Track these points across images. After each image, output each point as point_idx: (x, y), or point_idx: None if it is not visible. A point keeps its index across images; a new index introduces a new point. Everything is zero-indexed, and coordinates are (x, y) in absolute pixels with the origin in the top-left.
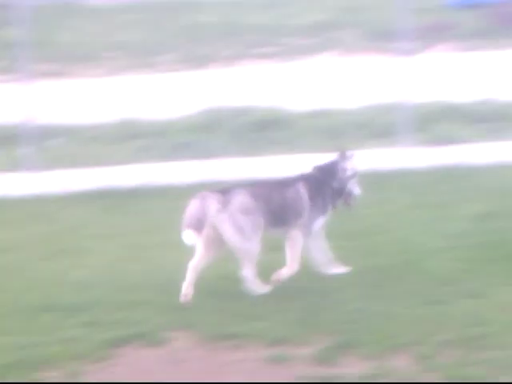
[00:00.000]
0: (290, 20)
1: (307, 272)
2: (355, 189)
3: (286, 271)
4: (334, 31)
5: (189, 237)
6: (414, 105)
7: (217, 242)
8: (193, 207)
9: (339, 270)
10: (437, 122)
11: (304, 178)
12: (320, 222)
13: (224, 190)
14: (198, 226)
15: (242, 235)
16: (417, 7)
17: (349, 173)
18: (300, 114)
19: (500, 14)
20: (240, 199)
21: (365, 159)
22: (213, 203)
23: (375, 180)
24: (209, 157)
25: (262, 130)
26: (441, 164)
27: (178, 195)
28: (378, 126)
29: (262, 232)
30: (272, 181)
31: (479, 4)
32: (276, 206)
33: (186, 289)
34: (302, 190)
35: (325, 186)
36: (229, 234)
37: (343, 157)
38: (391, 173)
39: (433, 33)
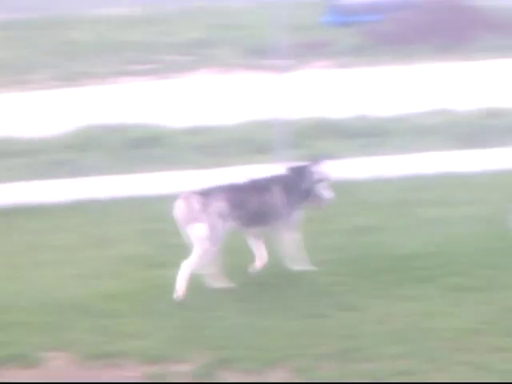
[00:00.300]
0: (166, 37)
1: (187, 289)
2: (325, 192)
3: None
4: (211, 48)
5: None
6: (291, 121)
7: None
8: (180, 209)
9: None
10: (314, 137)
11: (279, 180)
12: (299, 215)
13: (203, 192)
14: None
15: (211, 235)
16: (293, 25)
17: (316, 176)
18: (178, 131)
19: (374, 31)
20: (217, 203)
21: (243, 175)
22: (195, 203)
23: None
24: (85, 175)
25: (140, 147)
26: None
27: (53, 214)
28: (256, 142)
29: (225, 236)
30: (249, 184)
31: (353, 22)
32: (252, 208)
33: (181, 287)
34: (277, 192)
35: (295, 185)
36: (200, 230)
37: (313, 162)
38: None
39: (309, 50)
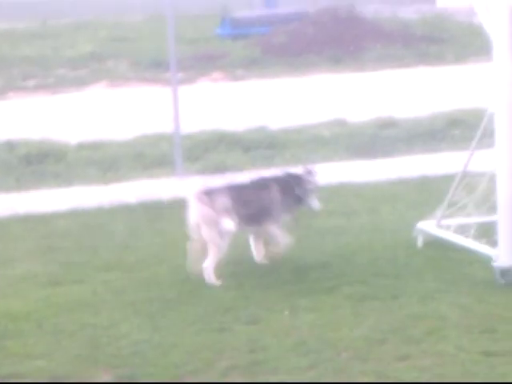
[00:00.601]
0: (59, 52)
1: (89, 307)
2: (314, 202)
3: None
4: (105, 62)
5: (230, 225)
6: (188, 134)
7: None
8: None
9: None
10: (210, 150)
11: (277, 181)
12: (287, 216)
13: (207, 191)
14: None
15: (219, 231)
16: (187, 37)
17: (311, 186)
18: (74, 146)
19: (267, 43)
20: (221, 200)
21: (140, 190)
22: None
23: (152, 211)
24: None
25: (32, 163)
26: None
27: None
28: (154, 156)
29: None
30: (249, 184)
31: (248, 34)
32: (252, 207)
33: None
34: (275, 192)
35: (291, 189)
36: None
37: (308, 172)
38: (168, 203)
39: (204, 62)
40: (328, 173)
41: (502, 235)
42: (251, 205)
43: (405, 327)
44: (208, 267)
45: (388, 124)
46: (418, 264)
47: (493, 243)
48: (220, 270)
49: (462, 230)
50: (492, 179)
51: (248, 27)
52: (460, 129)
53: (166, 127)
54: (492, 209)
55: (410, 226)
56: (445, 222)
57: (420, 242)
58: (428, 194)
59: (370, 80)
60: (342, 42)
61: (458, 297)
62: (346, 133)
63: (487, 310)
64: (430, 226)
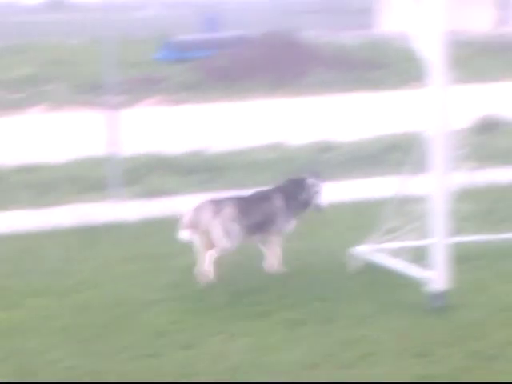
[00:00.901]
0: None
1: (20, 333)
2: (321, 201)
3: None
4: (43, 85)
5: (184, 235)
6: (125, 158)
7: (208, 242)
8: (188, 214)
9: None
10: (149, 174)
11: (280, 191)
12: (292, 225)
13: (216, 201)
14: (193, 227)
15: (228, 237)
16: (129, 60)
17: (316, 189)
18: (8, 169)
19: (208, 67)
20: (229, 210)
21: (76, 214)
22: (207, 212)
23: (87, 235)
24: None
25: None
26: (153, 216)
27: None
28: (89, 179)
29: (241, 238)
30: (254, 196)
31: (188, 58)
32: (257, 217)
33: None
34: (278, 202)
35: (294, 196)
36: (218, 235)
37: (312, 175)
38: (104, 227)
39: (143, 86)
40: None
41: (435, 259)
42: (256, 215)
43: (338, 352)
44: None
45: (327, 148)
46: (352, 288)
47: (426, 267)
48: (154, 294)
49: (396, 254)
50: (426, 203)
51: (189, 51)
52: (398, 153)
53: (104, 151)
54: (425, 233)
55: (345, 250)
56: (379, 246)
57: (355, 266)
58: (364, 217)
59: (310, 105)
60: (282, 67)
61: (392, 321)
62: (284, 157)
63: (420, 334)
64: (364, 250)
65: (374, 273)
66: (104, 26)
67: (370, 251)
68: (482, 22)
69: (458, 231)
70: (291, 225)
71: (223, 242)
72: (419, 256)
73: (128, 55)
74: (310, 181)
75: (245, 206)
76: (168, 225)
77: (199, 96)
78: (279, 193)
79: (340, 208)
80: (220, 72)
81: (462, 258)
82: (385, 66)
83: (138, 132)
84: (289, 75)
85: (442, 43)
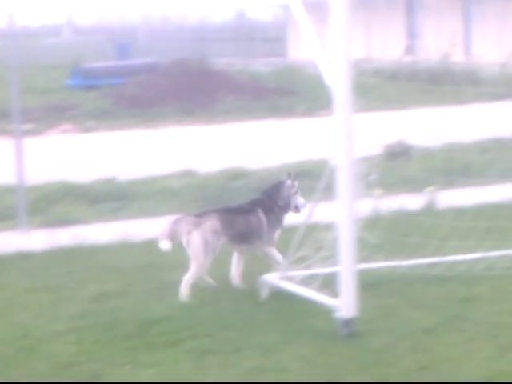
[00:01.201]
0: None
1: None
2: (300, 201)
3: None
4: None
5: (165, 244)
6: (33, 186)
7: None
8: (168, 226)
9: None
10: (57, 202)
11: (260, 204)
12: (278, 233)
13: (199, 214)
14: (172, 237)
15: (205, 249)
16: (37, 87)
17: (293, 190)
18: None
19: (118, 94)
20: (210, 222)
21: None
22: (185, 224)
23: None
24: None
25: None
26: (61, 245)
27: None
28: None
29: (218, 250)
30: (237, 208)
31: (100, 85)
32: (240, 228)
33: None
34: (261, 215)
35: (274, 205)
36: (196, 246)
37: (288, 177)
38: (9, 257)
39: (53, 113)
40: None
41: (343, 286)
42: (237, 229)
43: (246, 381)
44: (187, 278)
45: (237, 175)
46: (262, 316)
47: (335, 294)
48: (61, 324)
49: (305, 281)
50: (334, 230)
51: (100, 78)
52: (308, 180)
53: (11, 179)
54: (334, 260)
55: (256, 278)
56: (289, 273)
57: (264, 294)
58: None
59: (221, 132)
60: (193, 94)
61: (301, 348)
62: (195, 184)
63: (329, 361)
64: (274, 278)
65: (284, 300)
66: (11, 52)
67: (280, 278)
68: (391, 51)
69: (366, 258)
70: (278, 232)
71: (201, 255)
72: (329, 283)
73: (39, 82)
74: (288, 183)
75: (227, 218)
76: (76, 254)
77: (110, 123)
78: (261, 204)
79: None
80: (130, 99)
81: (371, 284)
82: (295, 93)
83: (47, 160)
84: (200, 102)
85: (346, 71)
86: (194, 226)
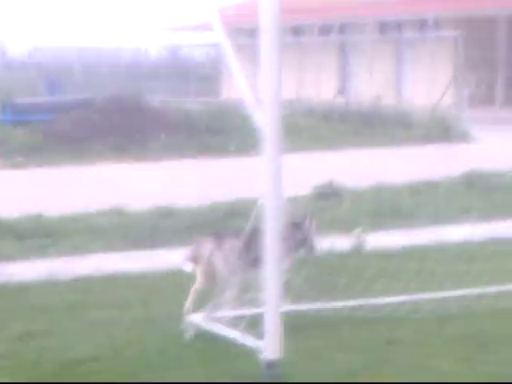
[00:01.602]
0: None
1: None
2: (315, 243)
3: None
4: None
5: (187, 266)
6: None
7: (210, 274)
8: (191, 248)
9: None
10: None
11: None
12: (289, 263)
13: (218, 235)
14: (195, 260)
15: (231, 269)
16: None
17: (312, 230)
18: None
19: (48, 130)
20: (231, 242)
21: None
22: (209, 245)
23: None
24: None
25: None
26: None
27: None
28: None
29: (244, 269)
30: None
31: (30, 120)
32: (257, 251)
33: (189, 304)
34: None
35: (293, 235)
36: (221, 267)
37: (308, 217)
38: None
39: None
40: (103, 263)
41: (267, 328)
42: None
43: None
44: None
45: (167, 214)
46: (187, 357)
47: (260, 335)
48: None
49: (232, 322)
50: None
51: (30, 113)
52: (238, 220)
53: None
54: (260, 301)
55: (181, 319)
56: (215, 314)
57: (190, 335)
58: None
59: (152, 170)
60: (126, 131)
61: None
62: (124, 222)
63: None
64: (199, 319)
65: (209, 341)
66: None
67: (206, 319)
68: (325, 91)
69: (294, 300)
70: (288, 263)
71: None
72: (255, 324)
73: None
74: (308, 222)
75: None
76: (1, 291)
77: (40, 159)
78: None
79: (178, 275)
80: (60, 135)
81: (298, 326)
82: (226, 132)
83: None
84: (133, 140)
85: (275, 111)
86: (216, 246)
